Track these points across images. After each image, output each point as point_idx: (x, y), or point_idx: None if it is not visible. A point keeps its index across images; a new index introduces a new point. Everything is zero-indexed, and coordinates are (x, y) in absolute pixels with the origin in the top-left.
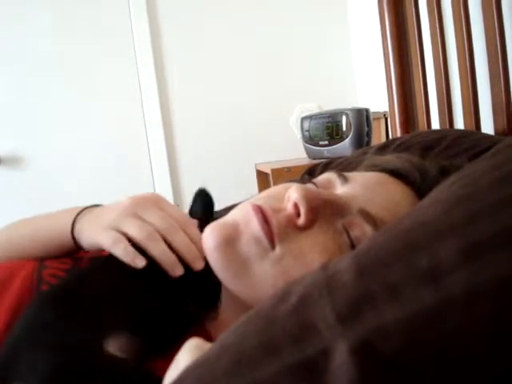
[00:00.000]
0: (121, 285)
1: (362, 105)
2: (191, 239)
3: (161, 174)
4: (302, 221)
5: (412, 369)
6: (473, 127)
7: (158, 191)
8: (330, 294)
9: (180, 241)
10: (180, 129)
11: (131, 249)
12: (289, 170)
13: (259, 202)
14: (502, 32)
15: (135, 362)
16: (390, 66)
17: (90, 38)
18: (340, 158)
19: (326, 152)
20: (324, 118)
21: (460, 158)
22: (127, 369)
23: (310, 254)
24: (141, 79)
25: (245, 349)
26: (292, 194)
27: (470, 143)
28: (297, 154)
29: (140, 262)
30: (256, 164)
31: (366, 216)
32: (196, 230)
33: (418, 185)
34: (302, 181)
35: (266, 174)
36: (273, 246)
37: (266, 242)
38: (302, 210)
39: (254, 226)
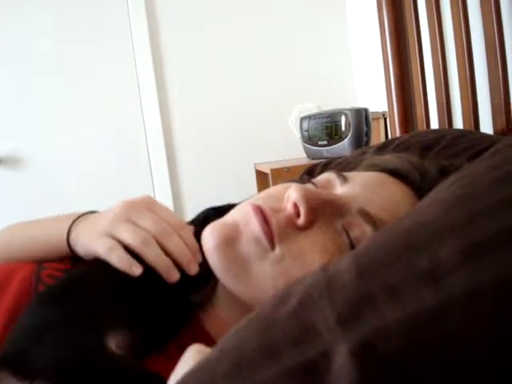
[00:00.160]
0: (117, 283)
1: (361, 105)
2: (185, 242)
3: (160, 173)
4: (301, 221)
5: (412, 369)
6: (472, 127)
7: (157, 191)
8: (329, 295)
9: (174, 244)
10: (179, 128)
11: (126, 256)
12: (288, 170)
13: (259, 202)
14: (501, 31)
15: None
16: (388, 65)
17: (89, 38)
18: (339, 157)
19: (325, 152)
20: (323, 118)
21: (459, 158)
22: (129, 366)
23: (310, 254)
24: (140, 79)
25: (245, 352)
26: (291, 194)
27: (469, 143)
28: (296, 154)
29: (136, 270)
30: (255, 164)
31: (366, 216)
32: (189, 232)
33: (418, 185)
34: (301, 181)
35: (266, 174)
36: (273, 247)
37: (265, 242)
38: (302, 210)
39: (254, 227)
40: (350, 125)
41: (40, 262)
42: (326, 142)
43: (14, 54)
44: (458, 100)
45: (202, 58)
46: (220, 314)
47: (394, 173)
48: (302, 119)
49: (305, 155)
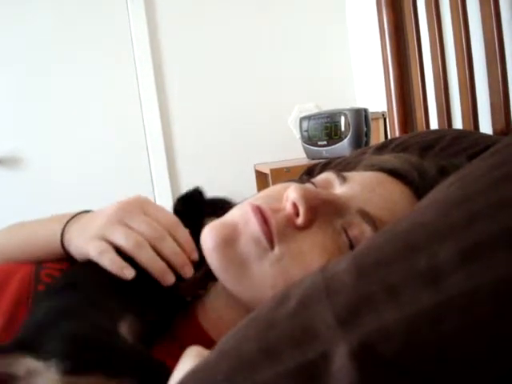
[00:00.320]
0: (110, 282)
1: (360, 105)
2: (180, 242)
3: (160, 173)
4: (300, 220)
5: (412, 369)
6: (471, 127)
7: (157, 191)
8: (329, 296)
9: (168, 247)
10: (179, 129)
11: (118, 259)
12: (288, 170)
13: (258, 202)
14: (500, 31)
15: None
16: (388, 65)
17: (89, 38)
18: (339, 158)
19: (324, 152)
20: (323, 118)
21: (459, 158)
22: (141, 349)
23: (309, 254)
24: (139, 79)
25: (244, 353)
26: (290, 194)
27: (468, 143)
28: (296, 154)
29: (128, 273)
30: (255, 164)
31: (365, 216)
32: (184, 232)
33: (417, 185)
34: (300, 181)
35: (265, 175)
36: (272, 246)
37: (265, 242)
38: (301, 210)
39: (253, 226)
40: (349, 125)
41: (39, 262)
42: (325, 142)
43: (14, 54)
44: (457, 100)
45: (202, 59)
46: (220, 313)
47: (393, 173)
48: (302, 119)
49: (304, 155)
